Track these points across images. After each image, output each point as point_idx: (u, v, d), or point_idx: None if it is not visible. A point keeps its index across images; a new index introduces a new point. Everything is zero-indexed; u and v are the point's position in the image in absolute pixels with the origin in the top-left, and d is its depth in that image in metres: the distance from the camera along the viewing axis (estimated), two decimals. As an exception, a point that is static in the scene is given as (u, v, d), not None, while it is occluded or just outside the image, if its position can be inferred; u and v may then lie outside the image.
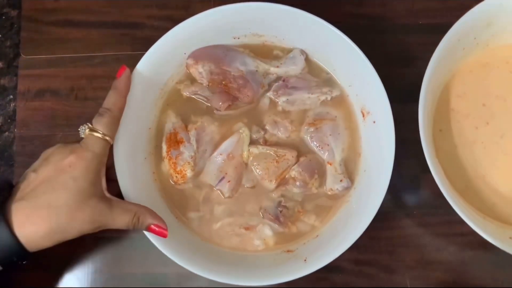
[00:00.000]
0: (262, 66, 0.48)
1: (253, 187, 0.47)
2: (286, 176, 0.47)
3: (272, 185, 0.46)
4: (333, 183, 0.46)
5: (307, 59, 0.48)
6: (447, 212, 0.50)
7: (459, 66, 0.49)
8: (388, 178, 0.43)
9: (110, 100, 0.43)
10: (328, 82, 0.48)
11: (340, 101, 0.48)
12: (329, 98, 0.48)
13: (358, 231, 0.42)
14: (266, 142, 0.47)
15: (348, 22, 0.54)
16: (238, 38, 0.48)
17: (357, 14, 0.54)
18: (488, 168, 0.48)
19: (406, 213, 0.50)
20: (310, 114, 0.48)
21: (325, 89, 0.47)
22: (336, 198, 0.47)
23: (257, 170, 0.47)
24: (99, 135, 0.41)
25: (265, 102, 0.48)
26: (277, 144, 0.47)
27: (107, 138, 0.42)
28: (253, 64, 0.47)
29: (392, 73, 0.48)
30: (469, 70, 0.49)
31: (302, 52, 0.48)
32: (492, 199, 0.47)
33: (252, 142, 0.47)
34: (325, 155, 0.47)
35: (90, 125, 0.41)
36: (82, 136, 0.42)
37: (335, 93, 0.48)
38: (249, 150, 0.47)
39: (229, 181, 0.46)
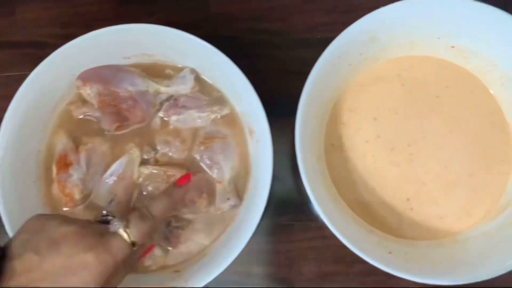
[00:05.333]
0: (153, 86, 0.48)
1: (141, 208, 0.47)
2: (176, 195, 0.47)
3: (164, 205, 0.47)
4: (221, 202, 0.46)
5: (199, 78, 0.49)
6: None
7: (350, 80, 0.50)
8: (265, 198, 0.42)
9: (159, 206, 0.38)
10: (219, 100, 0.48)
11: (231, 120, 0.48)
12: (219, 116, 0.48)
13: (237, 249, 0.42)
14: (157, 162, 0.47)
15: (248, 38, 0.54)
16: (129, 58, 0.48)
17: (257, 30, 0.54)
18: (378, 181, 0.48)
19: (304, 226, 0.51)
20: (201, 133, 0.48)
21: (215, 108, 0.48)
22: (226, 216, 0.47)
23: (148, 191, 0.47)
24: (130, 241, 0.36)
25: (156, 121, 0.48)
26: (169, 163, 0.47)
27: (135, 247, 0.36)
28: (143, 84, 0.47)
29: (289, 87, 0.49)
30: (360, 85, 0.50)
31: (193, 71, 0.48)
32: (382, 211, 0.48)
33: (144, 163, 0.47)
34: (214, 174, 0.47)
35: (127, 226, 0.36)
36: (111, 230, 0.36)
37: (225, 111, 0.48)
38: (139, 170, 0.47)
39: (118, 203, 0.46)
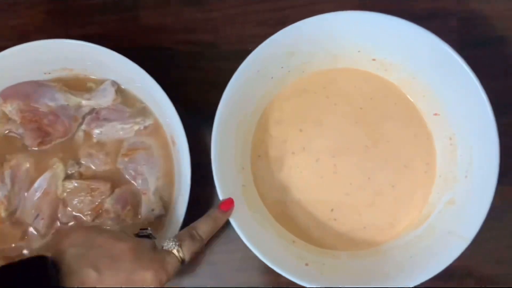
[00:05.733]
0: (73, 100, 0.48)
1: (67, 223, 0.47)
2: (102, 209, 0.47)
3: (88, 219, 0.47)
4: (146, 212, 0.47)
5: (121, 90, 0.49)
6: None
7: (275, 93, 0.50)
8: (184, 208, 0.44)
9: (206, 229, 0.40)
10: (143, 111, 0.49)
11: (155, 130, 0.49)
12: (142, 127, 0.48)
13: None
14: (81, 176, 0.48)
15: (180, 49, 0.54)
16: (49, 73, 0.48)
17: (189, 41, 0.54)
18: (303, 192, 0.49)
19: (236, 237, 0.51)
20: (125, 144, 0.48)
21: (138, 119, 0.48)
22: (153, 226, 0.47)
23: (73, 205, 0.47)
24: (181, 260, 0.38)
25: (79, 135, 0.48)
26: (94, 176, 0.48)
27: (183, 265, 0.38)
28: (63, 98, 0.47)
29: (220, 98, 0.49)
30: (287, 97, 0.50)
31: (113, 83, 0.48)
32: (306, 222, 0.48)
33: (68, 177, 0.47)
34: (139, 185, 0.47)
35: (180, 247, 0.38)
36: (166, 248, 0.38)
37: (148, 122, 0.48)
38: (63, 185, 0.47)
39: (42, 219, 0.46)
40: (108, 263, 0.35)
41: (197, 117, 0.51)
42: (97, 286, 0.34)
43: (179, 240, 0.39)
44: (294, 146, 0.49)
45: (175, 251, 0.38)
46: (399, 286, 0.42)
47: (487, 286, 0.51)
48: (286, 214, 0.49)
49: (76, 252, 0.35)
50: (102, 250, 0.35)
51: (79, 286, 0.33)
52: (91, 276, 0.34)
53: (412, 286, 0.42)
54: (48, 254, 0.35)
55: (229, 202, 0.42)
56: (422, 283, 0.42)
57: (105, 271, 0.34)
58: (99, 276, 0.34)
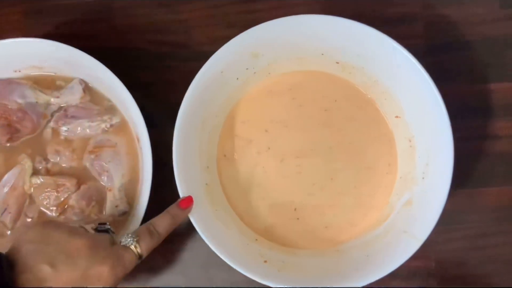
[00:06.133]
0: (43, 97, 0.49)
1: (32, 217, 0.48)
2: (67, 204, 0.48)
3: (54, 214, 0.48)
4: (110, 209, 0.48)
5: (90, 88, 0.50)
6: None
7: (241, 93, 0.51)
8: (144, 204, 0.45)
9: (164, 225, 0.41)
10: (110, 109, 0.50)
11: (122, 128, 0.50)
12: (108, 125, 0.49)
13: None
14: (48, 172, 0.49)
15: (151, 49, 0.55)
16: (20, 71, 0.49)
17: (161, 42, 0.55)
18: (268, 191, 0.50)
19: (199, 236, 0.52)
20: (91, 142, 0.49)
21: (105, 117, 0.49)
22: (118, 223, 0.48)
23: (39, 200, 0.48)
24: (138, 255, 0.39)
25: (48, 132, 0.49)
26: (61, 173, 0.49)
27: (140, 260, 0.39)
28: (32, 95, 0.48)
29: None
30: (253, 97, 0.51)
31: (81, 81, 0.49)
32: (270, 221, 0.49)
33: (36, 173, 0.48)
34: (104, 182, 0.48)
35: (137, 243, 0.38)
36: (123, 243, 0.39)
37: (115, 120, 0.49)
38: (31, 180, 0.48)
39: (9, 213, 0.47)
40: (63, 258, 0.35)
41: (166, 117, 0.52)
42: (52, 282, 0.34)
43: (137, 235, 0.39)
44: (259, 146, 0.50)
45: (132, 247, 0.39)
46: (352, 286, 0.43)
47: (450, 287, 0.52)
48: (249, 213, 0.50)
49: (32, 248, 0.35)
50: (58, 246, 0.35)
51: (34, 284, 0.33)
52: (46, 271, 0.34)
53: (364, 284, 0.43)
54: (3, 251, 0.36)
55: (188, 200, 0.43)
56: (380, 283, 0.43)
57: (61, 266, 0.35)
58: (55, 272, 0.34)
